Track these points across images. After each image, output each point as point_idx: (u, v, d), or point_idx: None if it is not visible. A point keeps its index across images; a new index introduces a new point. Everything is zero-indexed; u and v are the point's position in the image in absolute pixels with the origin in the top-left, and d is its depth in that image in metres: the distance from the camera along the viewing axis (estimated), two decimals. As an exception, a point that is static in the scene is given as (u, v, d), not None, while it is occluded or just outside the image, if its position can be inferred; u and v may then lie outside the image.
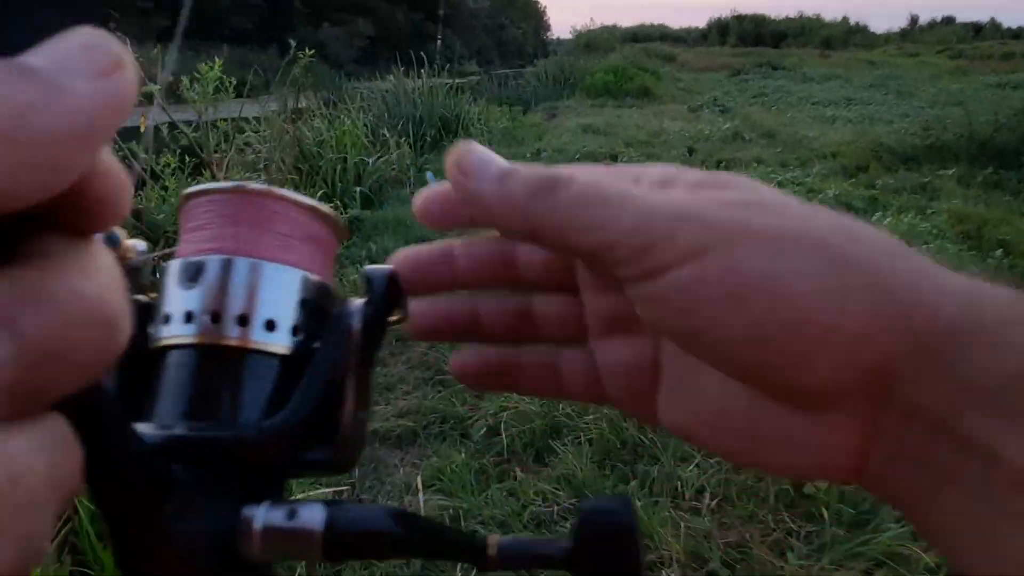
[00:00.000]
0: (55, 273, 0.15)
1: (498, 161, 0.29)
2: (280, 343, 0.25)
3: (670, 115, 10.42)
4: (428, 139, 8.35)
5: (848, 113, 10.16)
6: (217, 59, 3.64)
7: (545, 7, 58.95)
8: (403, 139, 7.92)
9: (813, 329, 0.22)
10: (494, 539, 0.24)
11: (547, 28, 59.23)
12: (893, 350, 0.21)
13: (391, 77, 9.46)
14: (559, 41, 51.27)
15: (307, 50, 5.99)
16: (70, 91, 0.15)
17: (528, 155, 7.75)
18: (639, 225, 0.24)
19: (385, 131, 7.98)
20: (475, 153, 0.29)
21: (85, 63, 0.15)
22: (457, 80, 10.04)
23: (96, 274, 0.16)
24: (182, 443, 0.23)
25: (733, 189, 0.25)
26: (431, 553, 0.24)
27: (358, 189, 5.91)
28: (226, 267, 0.25)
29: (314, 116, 8.15)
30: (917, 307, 0.21)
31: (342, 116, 7.94)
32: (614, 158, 7.04)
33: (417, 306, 0.31)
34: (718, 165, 6.48)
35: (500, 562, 0.24)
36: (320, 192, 5.77)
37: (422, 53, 9.79)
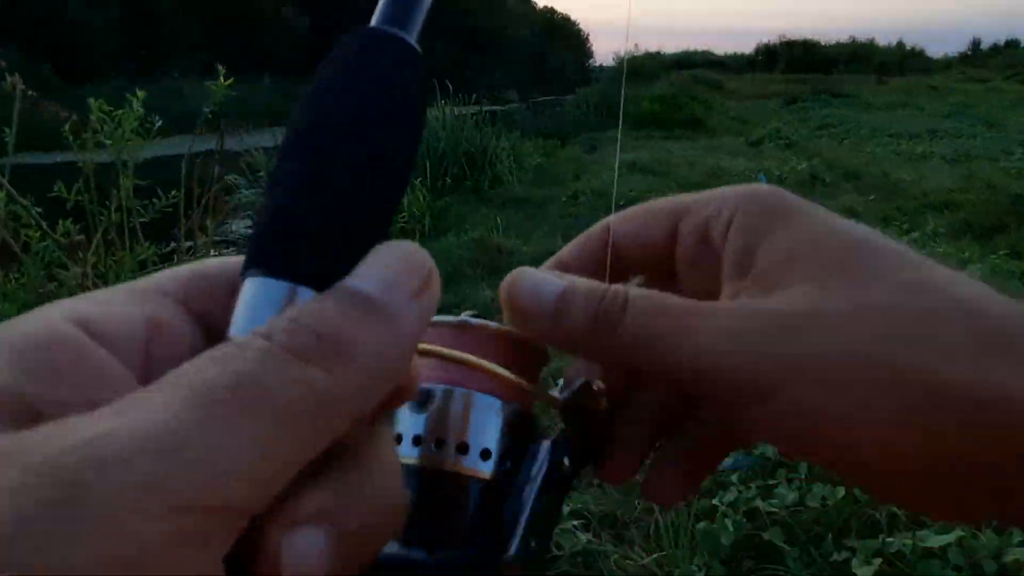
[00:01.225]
0: (368, 474, 0.18)
1: (549, 289, 0.27)
2: (488, 470, 0.27)
3: (727, 150, 9.21)
4: (450, 178, 7.30)
5: (938, 148, 8.82)
6: (139, 92, 2.59)
7: (588, 35, 58.34)
8: (420, 179, 6.87)
9: (890, 463, 0.23)
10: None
11: (589, 55, 58.59)
12: (988, 451, 0.22)
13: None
14: (601, 68, 50.53)
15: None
16: (402, 320, 0.18)
17: (564, 198, 6.61)
18: (698, 368, 0.25)
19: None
20: (525, 286, 0.28)
21: (407, 284, 0.19)
22: (487, 108, 8.96)
23: (391, 466, 0.19)
24: (399, 565, 0.25)
25: (877, 278, 0.24)
26: None
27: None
28: (447, 397, 0.28)
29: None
30: (1007, 411, 0.21)
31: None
32: (667, 205, 5.82)
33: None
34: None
35: None
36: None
37: (447, 82, 8.80)
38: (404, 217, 5.86)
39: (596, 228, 0.33)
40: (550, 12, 51.36)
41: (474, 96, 9.42)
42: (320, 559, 0.17)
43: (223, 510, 0.15)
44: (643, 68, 23.17)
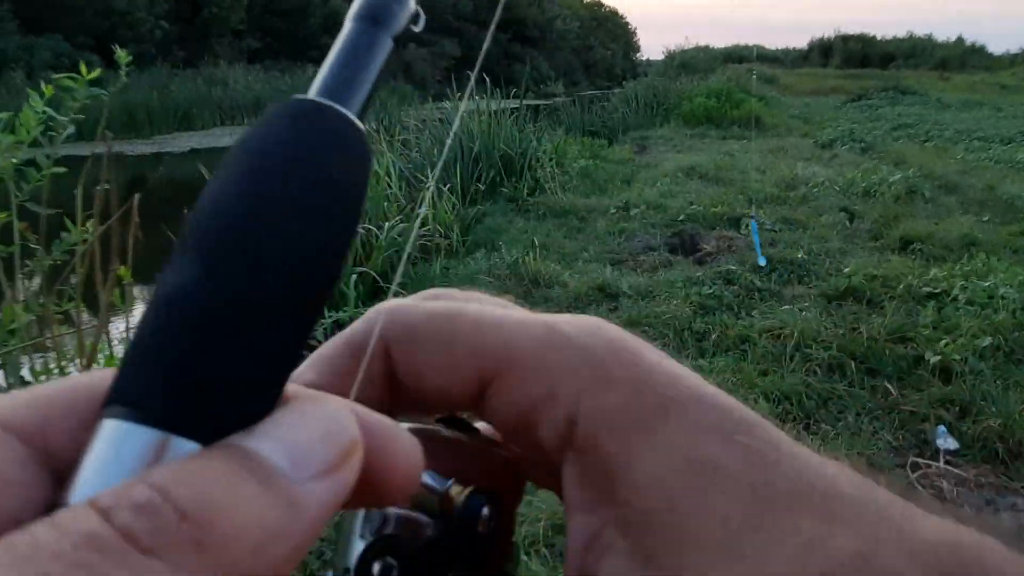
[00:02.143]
0: None
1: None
2: None
3: (795, 153, 8.23)
4: (484, 184, 6.50)
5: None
6: (46, 88, 1.84)
7: (636, 28, 57.07)
8: (448, 185, 6.09)
9: None
10: None
11: (637, 49, 57.39)
12: None
13: (446, 104, 7.73)
14: (649, 62, 49.52)
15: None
16: (303, 504, 0.15)
17: (613, 210, 5.76)
18: None
19: (430, 172, 6.19)
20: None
21: (321, 455, 0.15)
22: (530, 102, 8.13)
23: None
24: None
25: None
26: None
27: (357, 273, 4.05)
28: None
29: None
30: None
31: (378, 154, 6.21)
32: (736, 223, 4.95)
33: None
34: (906, 249, 4.33)
35: None
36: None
37: (485, 76, 8.00)
38: (427, 230, 5.08)
39: (365, 331, 0.23)
40: (598, 4, 50.23)
41: (514, 91, 8.60)
42: None
43: None
44: (693, 62, 22.09)
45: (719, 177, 6.56)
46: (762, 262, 3.90)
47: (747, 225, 4.76)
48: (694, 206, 5.26)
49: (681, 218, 5.13)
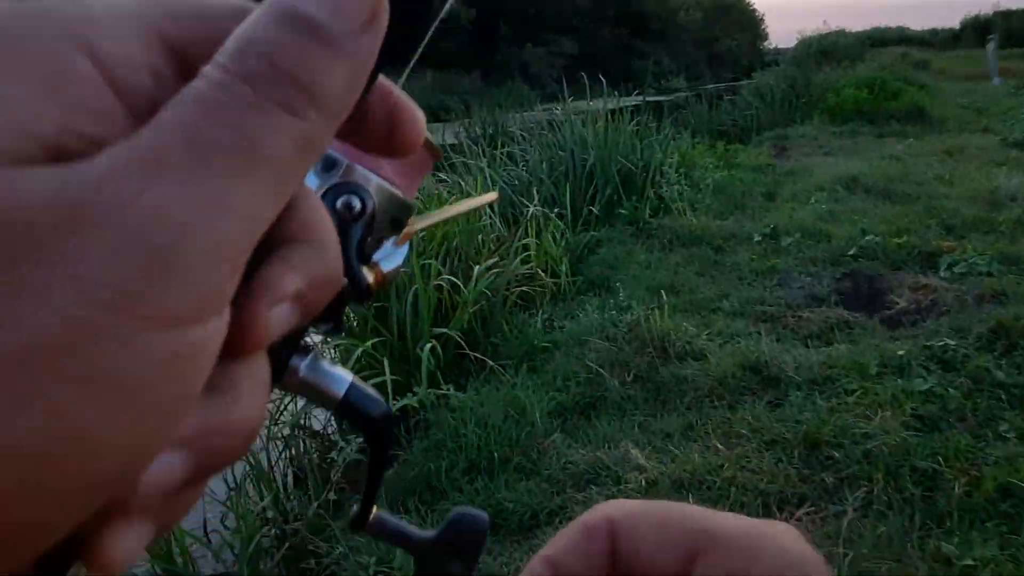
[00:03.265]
0: (319, 249, 0.19)
1: None
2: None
3: (981, 155, 6.72)
4: (599, 205, 5.53)
5: None
6: None
7: (763, 15, 53.94)
8: (557, 210, 5.16)
9: None
10: (379, 512, 0.29)
11: (764, 37, 54.27)
12: None
13: (557, 108, 6.83)
14: (777, 51, 46.57)
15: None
16: (358, 55, 0.17)
17: (757, 237, 4.65)
18: None
19: (535, 190, 5.30)
20: None
21: (357, 10, 0.17)
22: (651, 99, 7.10)
23: (334, 241, 0.19)
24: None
25: None
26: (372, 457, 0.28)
27: (434, 337, 3.21)
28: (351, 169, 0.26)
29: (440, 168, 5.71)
30: None
31: (477, 172, 5.39)
32: (932, 262, 3.77)
33: None
34: None
35: (373, 528, 0.29)
36: (374, 344, 3.19)
37: (601, 75, 7.04)
38: (529, 268, 4.19)
39: (596, 517, 0.28)
40: (722, -8, 47.75)
41: (636, 90, 7.58)
42: (289, 324, 0.18)
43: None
44: (835, 48, 20.08)
45: (891, 191, 5.28)
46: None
47: (947, 265, 3.56)
48: (868, 236, 4.08)
49: (851, 252, 3.98)
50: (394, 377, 2.94)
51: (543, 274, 4.29)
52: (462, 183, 5.00)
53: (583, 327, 3.42)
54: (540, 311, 3.86)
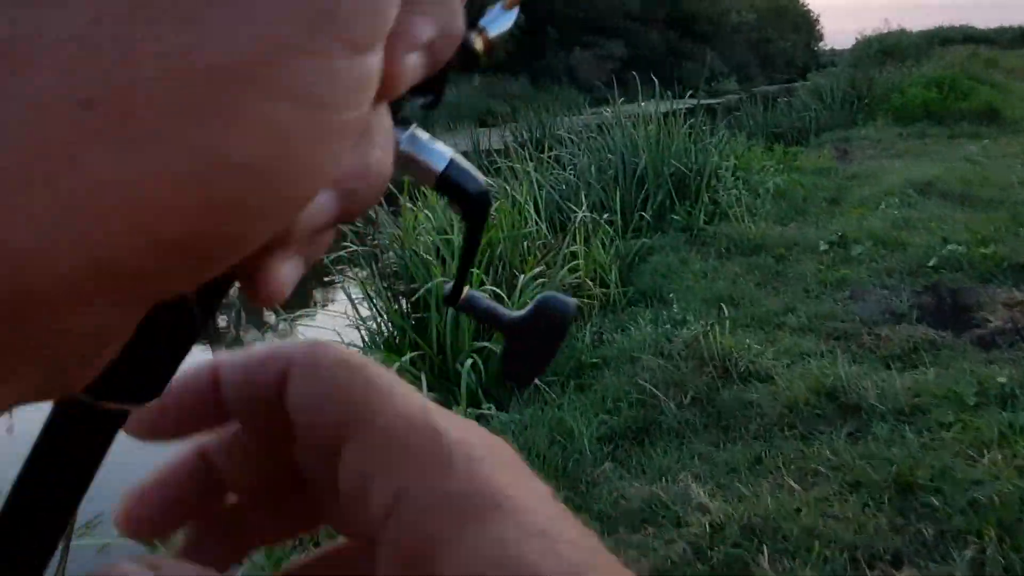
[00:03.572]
0: (371, 148, 0.18)
1: None
2: None
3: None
4: (651, 211, 5.26)
5: None
6: None
7: (819, 15, 52.63)
8: (607, 215, 4.91)
9: None
10: (471, 290, 0.29)
11: (820, 38, 52.98)
12: None
13: (606, 110, 6.57)
14: (833, 51, 45.38)
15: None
16: None
17: (823, 245, 4.32)
18: None
19: (583, 195, 5.04)
20: None
21: None
22: (703, 101, 6.78)
23: (388, 142, 0.19)
24: None
25: None
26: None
27: (475, 351, 2.99)
28: None
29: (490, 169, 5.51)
30: None
31: (523, 176, 5.15)
32: (1026, 274, 3.41)
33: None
34: None
35: (465, 304, 0.29)
36: (412, 357, 3.00)
37: (652, 76, 6.75)
38: (577, 278, 3.95)
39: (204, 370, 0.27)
40: (776, -8, 46.75)
41: (689, 92, 7.27)
42: (418, 74, 0.18)
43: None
44: (898, 47, 19.33)
45: (970, 196, 4.89)
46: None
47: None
48: (950, 245, 3.73)
49: (931, 263, 3.63)
50: (432, 394, 2.74)
51: (592, 283, 4.04)
52: (507, 187, 4.78)
53: (635, 342, 3.17)
54: (588, 323, 3.62)
